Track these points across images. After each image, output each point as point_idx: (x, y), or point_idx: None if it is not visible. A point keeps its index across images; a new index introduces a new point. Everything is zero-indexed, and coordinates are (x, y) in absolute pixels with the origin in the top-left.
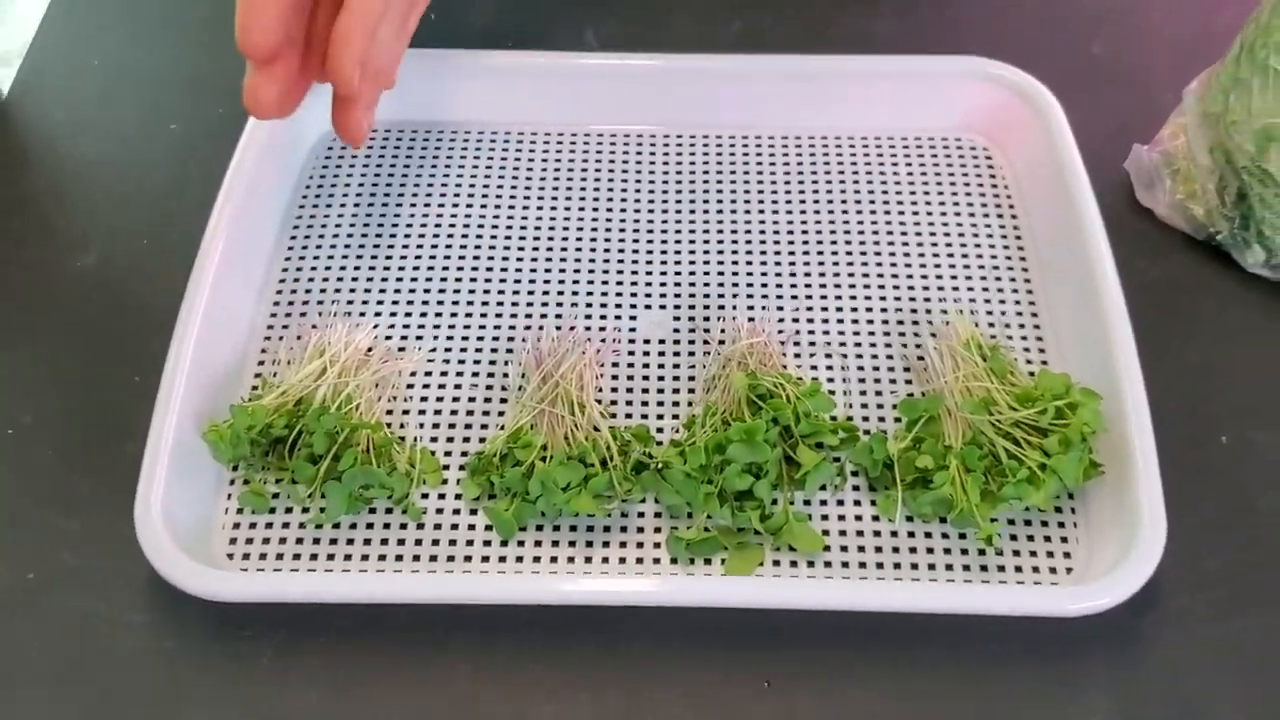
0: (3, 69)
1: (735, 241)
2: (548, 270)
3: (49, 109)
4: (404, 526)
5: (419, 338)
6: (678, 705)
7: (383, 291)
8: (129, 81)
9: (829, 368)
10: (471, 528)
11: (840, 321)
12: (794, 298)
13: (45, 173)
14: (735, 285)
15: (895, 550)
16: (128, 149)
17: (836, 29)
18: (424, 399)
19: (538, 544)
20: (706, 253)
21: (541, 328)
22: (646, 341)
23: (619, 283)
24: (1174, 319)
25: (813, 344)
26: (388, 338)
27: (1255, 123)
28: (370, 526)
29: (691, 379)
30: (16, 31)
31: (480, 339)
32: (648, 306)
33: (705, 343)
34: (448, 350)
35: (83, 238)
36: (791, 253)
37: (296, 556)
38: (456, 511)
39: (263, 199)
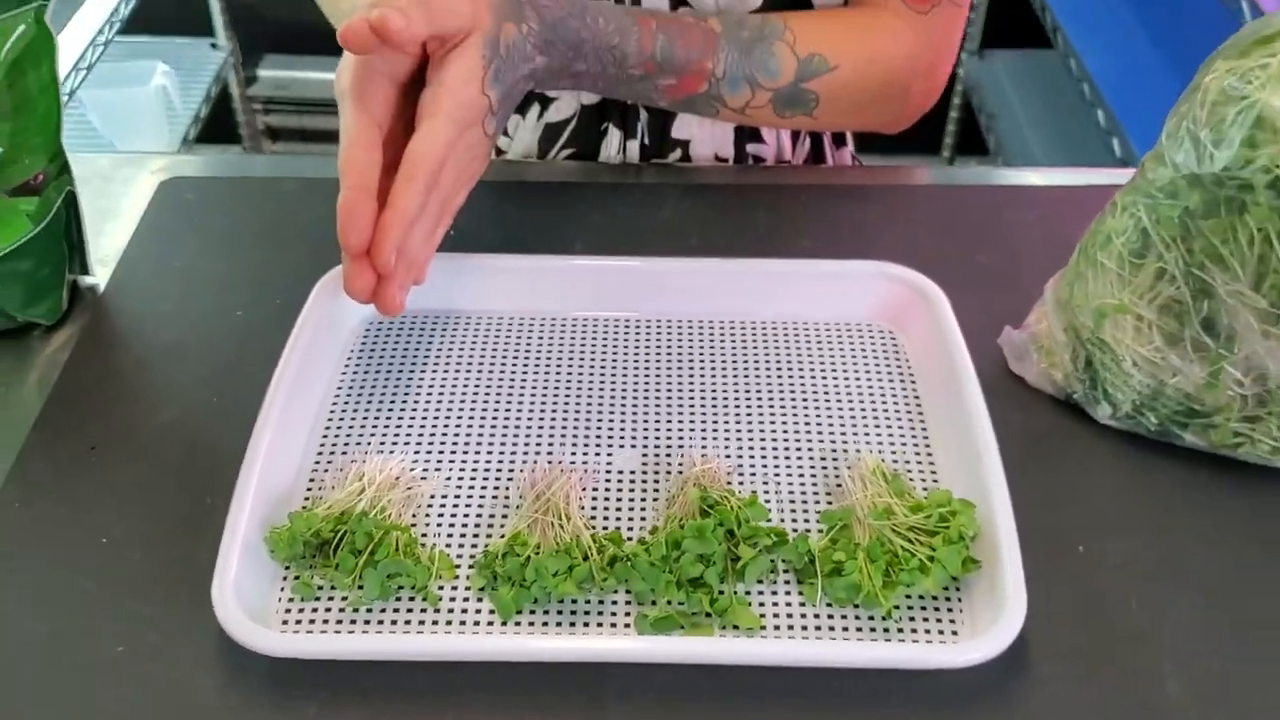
0: (102, 269)
1: (693, 397)
2: (541, 418)
3: (138, 301)
4: (424, 610)
5: (438, 468)
6: None
7: (409, 433)
8: (203, 279)
9: (765, 488)
10: (479, 612)
11: (775, 456)
12: (739, 438)
13: (134, 350)
14: (692, 431)
15: (818, 628)
16: (201, 331)
17: (773, 243)
18: (440, 513)
19: (530, 624)
20: (670, 406)
21: (536, 460)
22: (620, 471)
23: (599, 427)
24: (1041, 458)
25: (754, 472)
26: (413, 467)
27: (1092, 304)
28: (396, 610)
29: (656, 498)
30: (114, 239)
31: (486, 469)
32: (621, 446)
33: (668, 472)
34: (460, 477)
35: (163, 400)
36: (738, 406)
37: (337, 632)
38: (466, 600)
39: (313, 365)
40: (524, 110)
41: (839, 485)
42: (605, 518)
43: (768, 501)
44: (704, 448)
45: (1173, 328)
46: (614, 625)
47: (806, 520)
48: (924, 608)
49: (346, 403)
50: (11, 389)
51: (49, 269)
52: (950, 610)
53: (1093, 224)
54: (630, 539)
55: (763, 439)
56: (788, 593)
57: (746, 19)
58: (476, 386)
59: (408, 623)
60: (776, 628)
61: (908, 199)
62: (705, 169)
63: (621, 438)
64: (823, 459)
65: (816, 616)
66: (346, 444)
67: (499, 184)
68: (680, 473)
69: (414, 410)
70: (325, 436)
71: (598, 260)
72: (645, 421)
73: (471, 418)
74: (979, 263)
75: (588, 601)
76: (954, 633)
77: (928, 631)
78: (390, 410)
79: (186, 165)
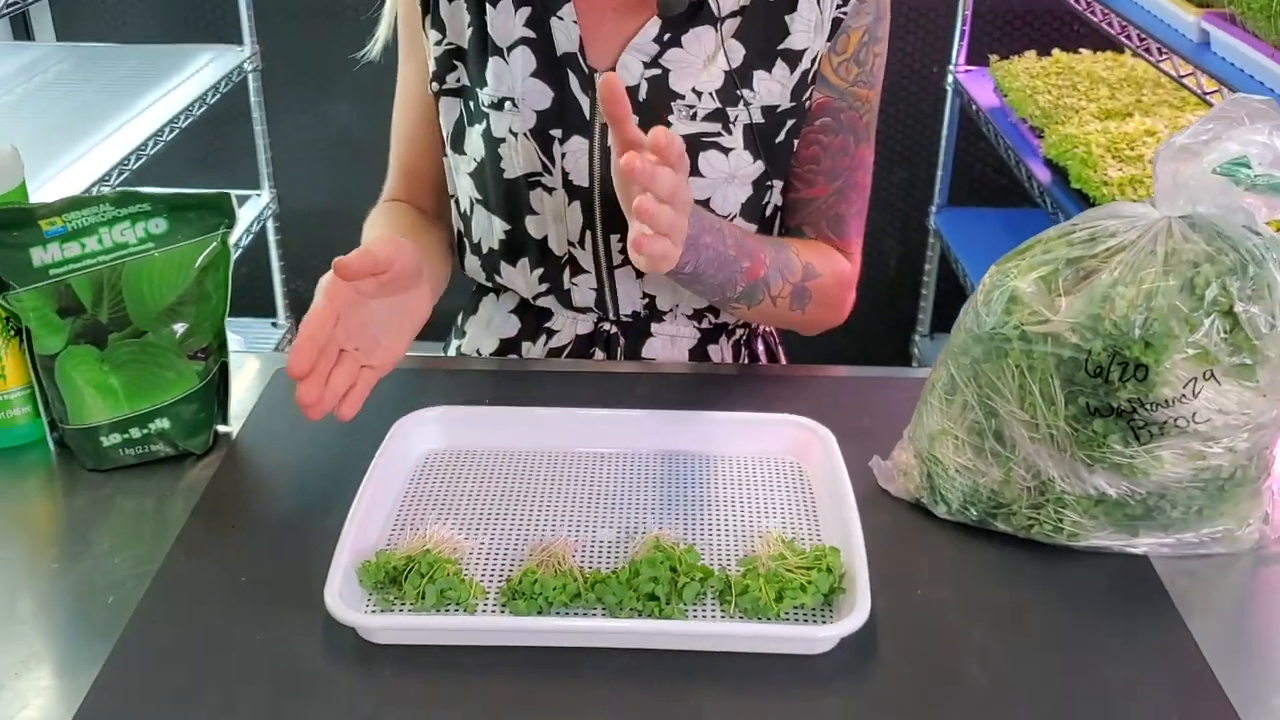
0: (235, 420)
1: (653, 498)
2: (546, 509)
3: (262, 440)
4: (465, 616)
5: (476, 535)
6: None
7: (457, 514)
8: (306, 430)
9: (701, 549)
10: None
11: (709, 532)
12: (685, 523)
13: (258, 472)
14: (650, 517)
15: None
16: (307, 461)
17: (716, 404)
18: (477, 561)
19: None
20: (636, 503)
21: (542, 535)
22: (601, 541)
23: (587, 515)
24: (897, 540)
25: (692, 539)
26: (458, 533)
27: (926, 432)
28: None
29: (625, 554)
30: (241, 400)
31: (509, 537)
32: (602, 526)
33: (632, 541)
34: (491, 542)
35: (281, 501)
36: (687, 504)
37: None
38: (493, 611)
39: (389, 478)
40: (534, 339)
41: (752, 549)
42: (590, 565)
43: (702, 556)
44: (659, 527)
45: (976, 442)
46: None
47: (727, 566)
48: (805, 620)
49: (413, 500)
50: (173, 494)
51: (205, 414)
52: (822, 619)
53: (927, 380)
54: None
55: (701, 523)
56: (712, 609)
57: (774, 238)
58: (503, 489)
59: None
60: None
61: (817, 385)
62: (665, 364)
63: (602, 522)
64: (743, 534)
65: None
66: (411, 521)
67: (519, 373)
68: (642, 538)
69: (460, 502)
70: (398, 516)
71: (586, 411)
72: (619, 513)
73: (499, 507)
74: (864, 424)
75: (577, 611)
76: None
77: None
78: (442, 502)
79: None
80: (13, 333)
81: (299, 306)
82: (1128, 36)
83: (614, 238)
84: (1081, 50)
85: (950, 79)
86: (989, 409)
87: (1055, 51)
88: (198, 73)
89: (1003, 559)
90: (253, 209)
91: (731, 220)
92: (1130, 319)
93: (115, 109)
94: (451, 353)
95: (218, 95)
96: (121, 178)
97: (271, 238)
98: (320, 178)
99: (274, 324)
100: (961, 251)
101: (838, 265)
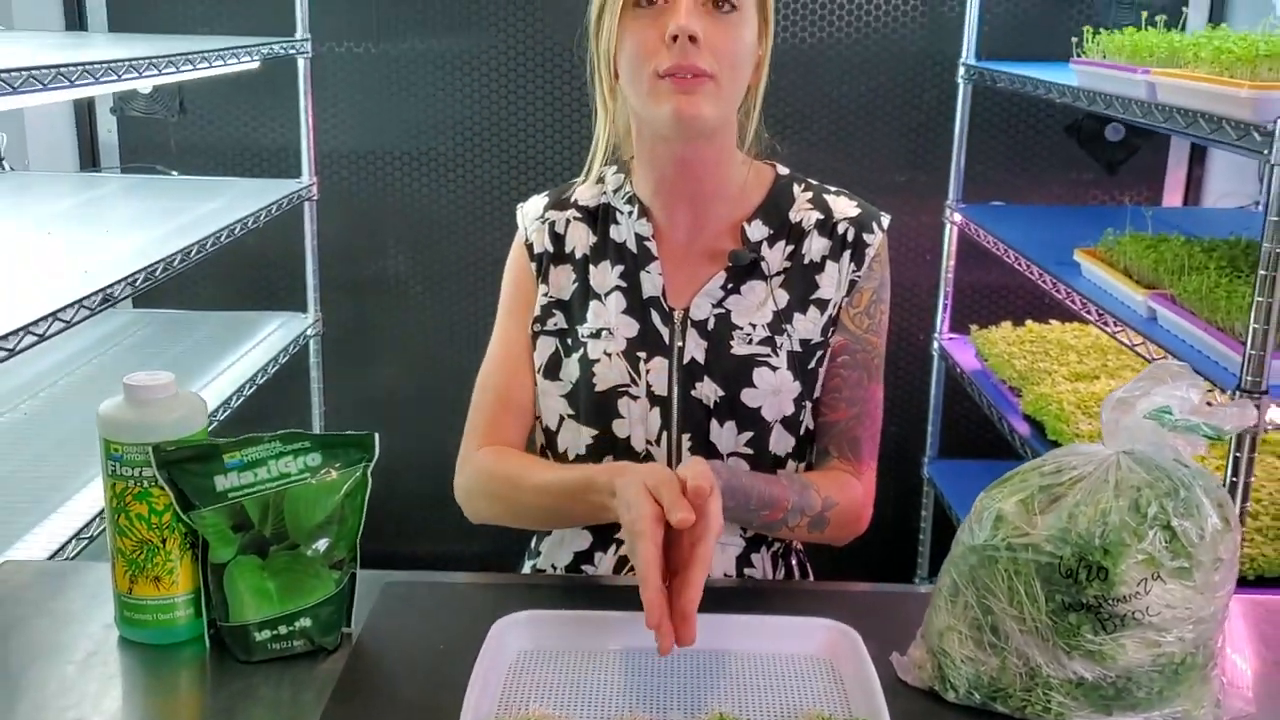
0: (357, 624)
1: (715, 686)
2: (625, 696)
3: (379, 644)
4: None
5: (569, 714)
6: None
7: (551, 699)
8: (415, 628)
9: None
10: None
11: (761, 714)
12: (743, 708)
13: (376, 665)
14: (712, 701)
15: None
16: (414, 659)
17: (758, 610)
18: None
19: None
20: (698, 692)
21: (623, 714)
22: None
23: (660, 701)
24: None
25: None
26: (556, 712)
27: (936, 629)
28: None
29: None
30: (359, 613)
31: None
32: (673, 710)
33: (700, 714)
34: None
35: (397, 688)
36: (741, 693)
37: None
38: None
39: (488, 677)
40: (605, 549)
41: None
42: None
43: None
44: (720, 709)
45: (976, 636)
46: None
47: None
48: None
49: (512, 688)
50: (309, 683)
51: (338, 615)
52: None
53: (935, 587)
54: None
55: (754, 706)
56: None
57: (795, 476)
58: (586, 679)
59: None
60: None
61: (843, 596)
62: (715, 580)
63: (672, 704)
64: (788, 715)
65: None
66: (512, 706)
67: (590, 584)
68: (706, 715)
69: (552, 689)
70: (500, 699)
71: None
72: (685, 698)
73: (585, 693)
74: (883, 628)
75: None
76: None
77: None
78: (538, 689)
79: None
80: (188, 545)
81: None
82: (1088, 311)
83: (685, 436)
84: (1051, 321)
85: (936, 345)
86: (985, 607)
87: (1028, 322)
88: (267, 338)
89: None
90: None
91: (772, 430)
92: (1091, 531)
93: (193, 373)
94: (527, 570)
95: (286, 358)
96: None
97: None
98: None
99: None
100: (953, 497)
101: (853, 492)
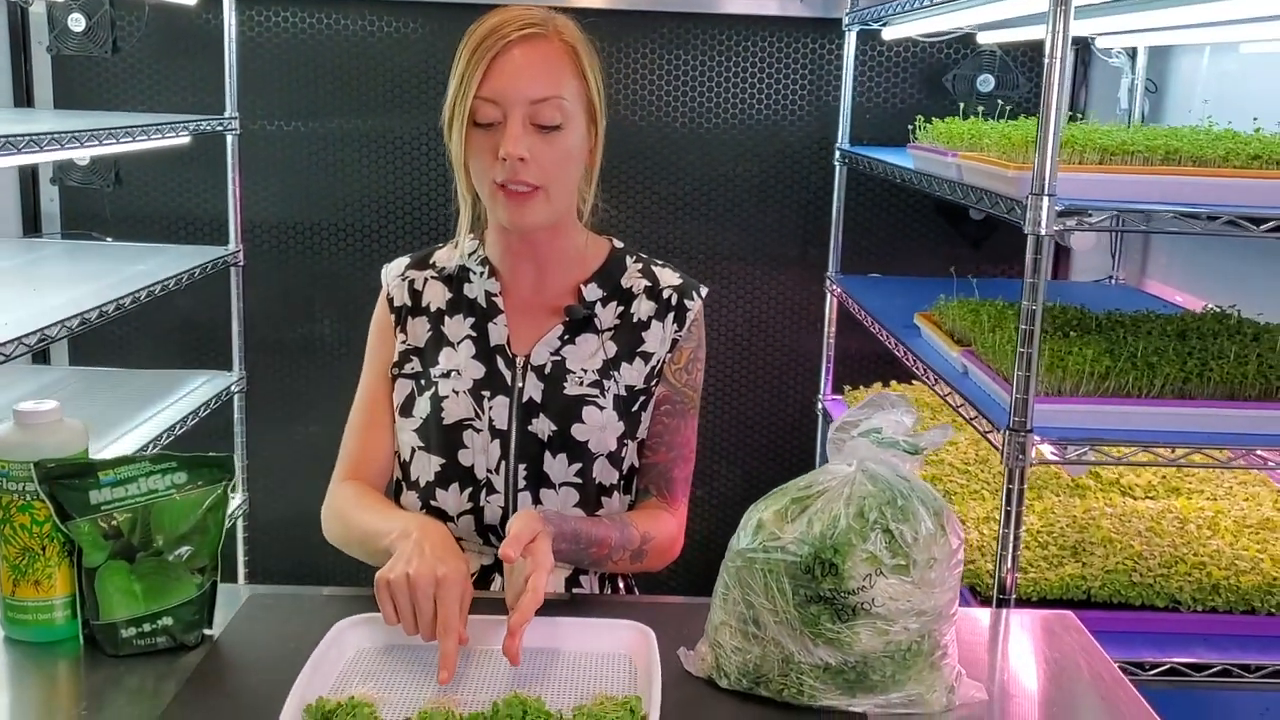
0: (218, 626)
1: (519, 680)
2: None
3: (239, 639)
4: None
5: (389, 694)
6: None
7: (375, 684)
8: (274, 631)
9: None
10: None
11: (560, 694)
12: (543, 690)
13: (234, 660)
14: (517, 687)
15: None
16: (264, 652)
17: (573, 613)
18: (390, 708)
19: None
20: (508, 683)
21: (436, 696)
22: (481, 702)
23: (473, 688)
24: (692, 701)
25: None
26: (377, 693)
27: (714, 624)
28: None
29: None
30: (221, 608)
31: (416, 699)
32: (483, 692)
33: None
34: (400, 699)
35: (249, 670)
36: None
37: None
38: None
39: (321, 665)
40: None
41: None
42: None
43: (548, 705)
44: (516, 692)
45: (743, 628)
46: None
47: (566, 713)
48: None
49: (345, 676)
50: (169, 674)
51: (199, 616)
52: None
53: (714, 588)
54: None
55: (552, 690)
56: None
57: (616, 515)
58: (412, 670)
59: None
60: None
61: (655, 608)
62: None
63: (483, 689)
64: (581, 695)
65: None
66: (341, 690)
67: None
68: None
69: (378, 677)
70: (331, 687)
71: (479, 617)
72: (495, 685)
73: (408, 680)
74: (684, 631)
75: None
76: None
77: None
78: (366, 677)
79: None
80: (66, 553)
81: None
82: (918, 368)
83: (521, 466)
84: (914, 381)
85: (820, 405)
86: (748, 602)
87: (893, 382)
88: (192, 392)
89: (763, 714)
90: None
91: (597, 461)
92: (825, 534)
93: (118, 422)
94: None
95: (208, 410)
96: None
97: (240, 538)
98: (289, 487)
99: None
100: None
101: (667, 526)
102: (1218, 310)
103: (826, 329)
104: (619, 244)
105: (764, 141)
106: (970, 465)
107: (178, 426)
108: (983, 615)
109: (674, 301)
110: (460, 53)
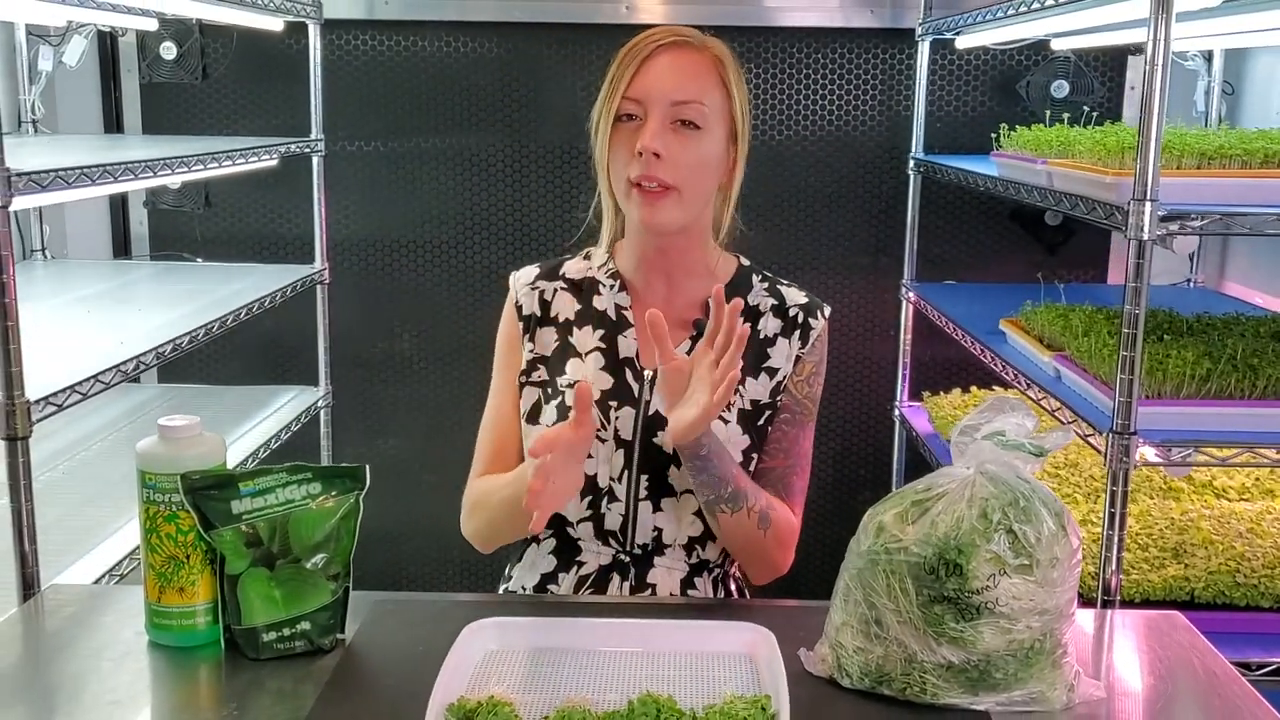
0: (350, 631)
1: (649, 680)
2: (579, 682)
3: (369, 641)
4: None
5: (528, 696)
6: None
7: (512, 683)
8: (407, 640)
9: None
10: None
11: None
12: (672, 690)
13: (366, 661)
14: (648, 687)
15: None
16: (395, 659)
17: (693, 615)
18: (527, 708)
19: None
20: (639, 684)
21: (571, 696)
22: (613, 702)
23: (605, 687)
24: (816, 701)
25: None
26: (515, 694)
27: (835, 624)
28: None
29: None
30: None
31: (553, 699)
32: (611, 693)
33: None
34: (539, 699)
35: (385, 671)
36: None
37: None
38: None
39: (458, 668)
40: (568, 570)
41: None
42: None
43: (680, 704)
44: (649, 690)
45: (865, 629)
46: None
47: (698, 712)
48: None
49: (479, 677)
50: (309, 677)
51: (334, 620)
52: None
53: (834, 590)
54: None
55: (681, 690)
56: None
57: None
58: (545, 670)
59: None
60: None
61: (770, 610)
62: (664, 599)
63: (611, 689)
64: (710, 695)
65: None
66: (478, 689)
67: (556, 600)
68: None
69: (513, 678)
70: (468, 687)
71: (605, 620)
72: (627, 685)
73: (543, 680)
74: (799, 633)
75: None
76: None
77: None
78: (501, 677)
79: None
80: (209, 561)
81: None
82: (1006, 373)
83: (644, 477)
84: (994, 387)
85: (897, 412)
86: (870, 603)
87: (973, 388)
88: (281, 408)
89: (887, 713)
90: None
91: None
92: (949, 535)
93: None
94: (500, 592)
95: (299, 425)
96: None
97: None
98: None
99: None
100: None
101: (788, 517)
102: None
103: (902, 335)
104: (746, 262)
105: (836, 152)
106: (1060, 469)
107: (273, 441)
108: (1089, 616)
109: (800, 319)
110: (613, 60)
